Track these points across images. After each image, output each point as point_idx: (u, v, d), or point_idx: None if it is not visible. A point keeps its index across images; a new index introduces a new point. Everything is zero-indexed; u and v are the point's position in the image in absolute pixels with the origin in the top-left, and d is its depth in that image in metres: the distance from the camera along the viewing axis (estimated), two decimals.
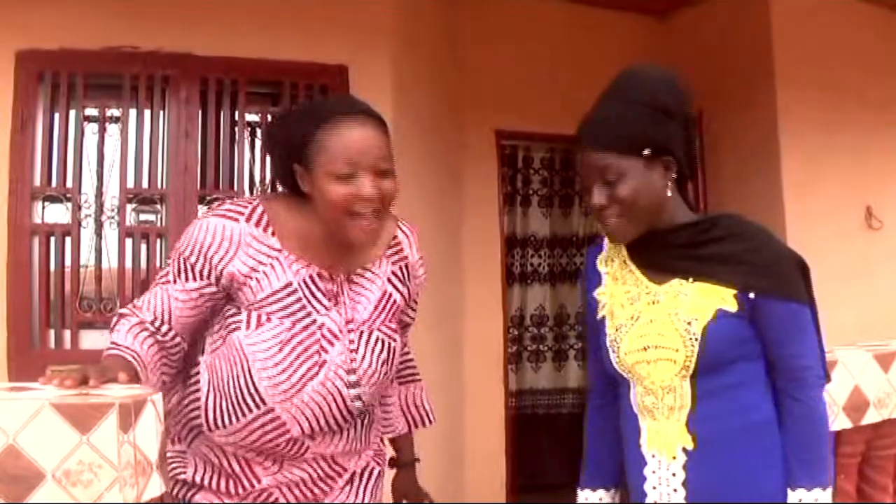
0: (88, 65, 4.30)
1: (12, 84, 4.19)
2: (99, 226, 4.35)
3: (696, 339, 1.94)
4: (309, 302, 2.10)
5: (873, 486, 3.17)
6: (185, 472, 2.19)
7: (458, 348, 5.48)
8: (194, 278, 2.08)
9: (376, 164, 2.04)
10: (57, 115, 4.30)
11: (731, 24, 5.91)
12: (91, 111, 4.38)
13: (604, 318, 2.13)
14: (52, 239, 4.28)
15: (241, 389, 2.07)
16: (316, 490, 2.23)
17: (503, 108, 5.74)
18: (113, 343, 2.00)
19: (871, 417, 3.06)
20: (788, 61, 5.67)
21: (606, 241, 2.18)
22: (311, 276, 2.11)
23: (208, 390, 2.12)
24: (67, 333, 4.25)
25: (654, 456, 2.03)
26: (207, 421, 2.13)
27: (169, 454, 2.17)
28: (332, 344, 2.11)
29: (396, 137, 4.62)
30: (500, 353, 5.77)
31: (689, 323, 1.95)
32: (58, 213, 4.31)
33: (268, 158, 2.21)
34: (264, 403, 2.06)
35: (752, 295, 1.93)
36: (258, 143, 5.18)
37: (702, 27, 6.12)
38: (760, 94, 5.68)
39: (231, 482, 2.17)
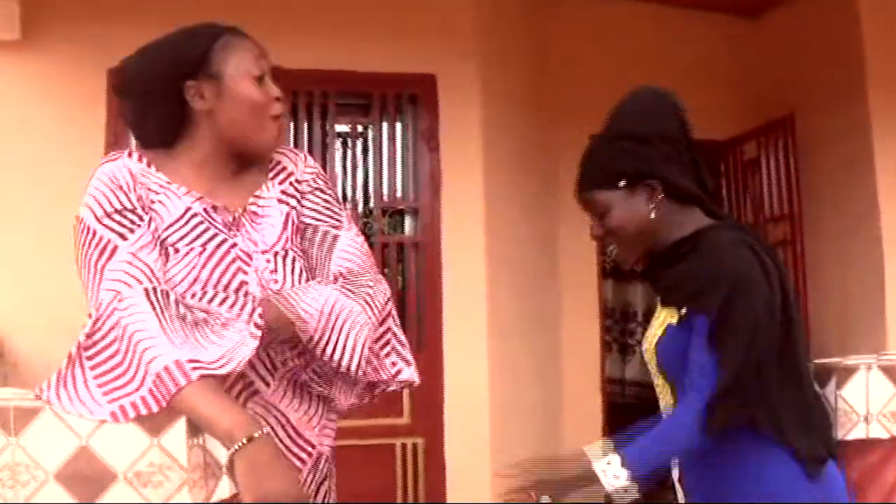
0: None
1: (105, 102, 4.35)
2: None
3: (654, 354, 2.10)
4: (213, 226, 1.94)
5: None
6: None
7: (556, 350, 5.47)
8: (140, 218, 1.88)
9: (271, 71, 2.01)
10: None
11: (822, 24, 5.64)
12: None
13: None
14: None
15: None
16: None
17: (595, 113, 5.64)
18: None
19: None
20: (880, 60, 5.43)
21: None
22: (205, 209, 1.95)
23: None
24: None
25: None
26: None
27: None
28: (248, 265, 1.94)
29: (487, 144, 4.70)
30: (596, 351, 5.72)
31: (650, 340, 2.12)
32: None
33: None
34: None
35: (683, 310, 2.00)
36: (349, 153, 5.25)
37: (793, 27, 5.86)
38: (853, 95, 5.42)
39: None
